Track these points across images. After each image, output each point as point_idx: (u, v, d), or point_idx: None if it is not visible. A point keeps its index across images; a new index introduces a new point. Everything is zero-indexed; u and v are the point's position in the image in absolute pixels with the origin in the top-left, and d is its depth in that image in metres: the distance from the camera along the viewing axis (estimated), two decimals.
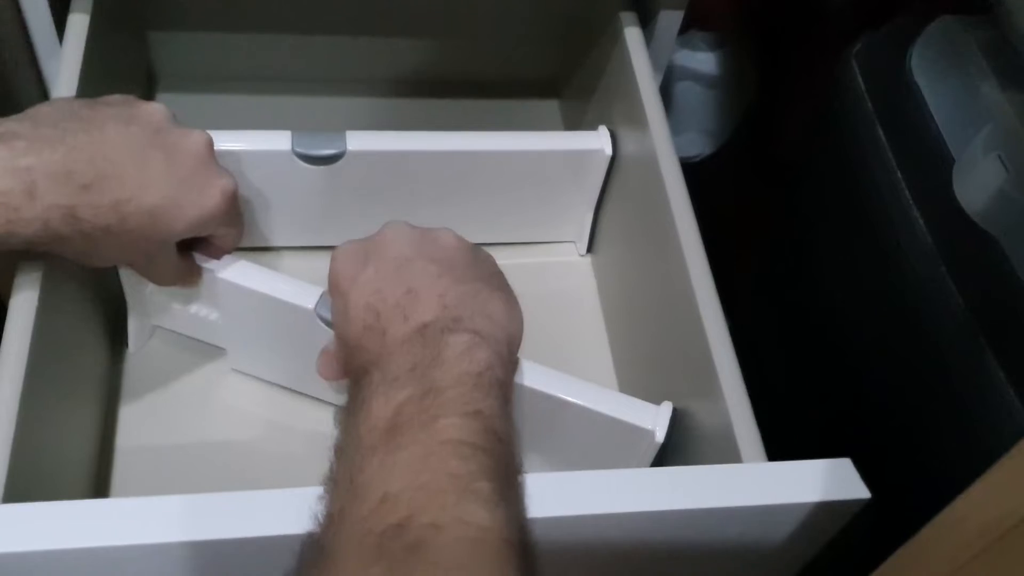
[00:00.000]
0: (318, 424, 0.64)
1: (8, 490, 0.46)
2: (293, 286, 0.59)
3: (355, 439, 0.43)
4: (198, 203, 0.55)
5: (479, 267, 0.54)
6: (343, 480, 0.41)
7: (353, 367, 0.50)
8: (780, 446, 0.54)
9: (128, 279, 0.61)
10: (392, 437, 0.41)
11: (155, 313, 0.65)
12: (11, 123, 0.50)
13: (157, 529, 0.43)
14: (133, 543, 0.43)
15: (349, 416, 0.45)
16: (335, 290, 0.54)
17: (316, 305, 0.58)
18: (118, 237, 0.52)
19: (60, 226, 0.49)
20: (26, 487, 0.48)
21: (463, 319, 0.48)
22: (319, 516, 0.40)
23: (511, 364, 0.50)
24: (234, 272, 0.60)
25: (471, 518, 0.38)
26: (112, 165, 0.51)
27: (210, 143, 0.57)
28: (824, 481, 0.48)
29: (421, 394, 0.43)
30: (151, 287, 0.62)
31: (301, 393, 0.66)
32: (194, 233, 0.56)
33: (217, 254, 0.60)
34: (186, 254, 0.59)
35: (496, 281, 0.54)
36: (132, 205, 0.52)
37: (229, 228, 0.59)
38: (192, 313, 0.64)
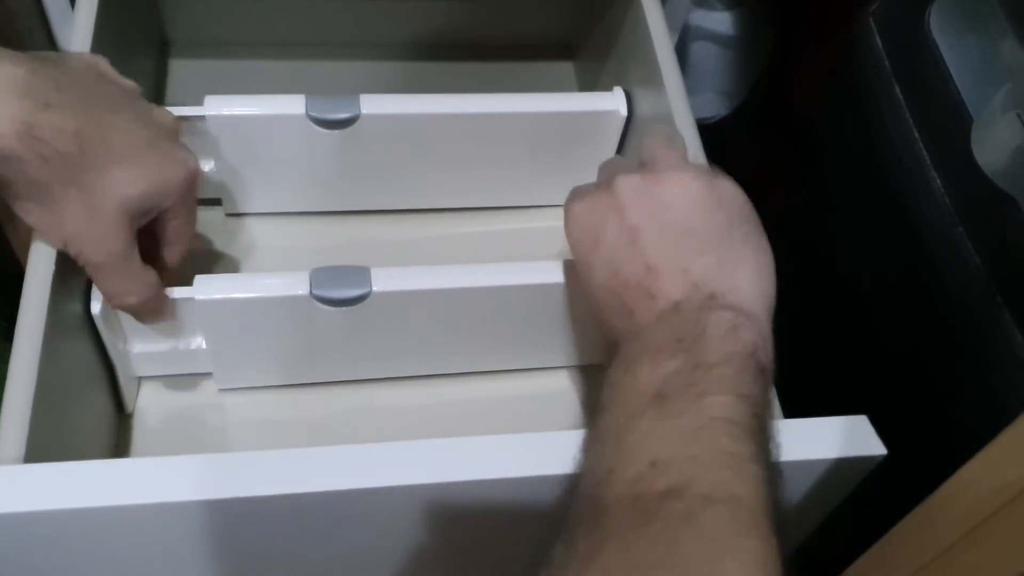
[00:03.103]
0: (331, 405, 0.64)
1: (29, 450, 0.46)
2: (278, 278, 0.58)
3: (620, 400, 0.43)
4: (161, 169, 0.53)
5: (719, 219, 0.48)
6: (610, 439, 0.42)
7: (605, 338, 0.49)
8: (797, 403, 0.54)
9: (108, 335, 0.57)
10: (660, 405, 0.41)
11: (138, 365, 0.62)
12: None
13: (175, 488, 0.43)
14: (151, 502, 0.43)
15: (612, 378, 0.44)
16: (573, 251, 0.52)
17: (311, 288, 0.57)
18: (75, 178, 0.49)
19: (15, 143, 0.46)
20: (47, 448, 0.48)
21: (717, 295, 0.45)
22: (583, 468, 0.42)
23: (770, 335, 0.47)
24: (211, 288, 0.57)
25: (745, 499, 0.38)
26: (78, 95, 0.50)
27: (180, 124, 0.57)
28: (841, 437, 0.49)
29: (690, 368, 0.42)
30: (128, 338, 0.60)
31: (303, 385, 0.65)
32: (150, 204, 0.53)
33: (171, 254, 0.57)
34: (147, 266, 0.55)
35: (739, 233, 0.48)
36: (94, 139, 0.49)
37: (184, 212, 0.56)
38: (176, 350, 0.61)
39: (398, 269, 0.58)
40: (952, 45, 0.66)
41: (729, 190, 0.50)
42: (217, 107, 0.63)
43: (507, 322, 0.61)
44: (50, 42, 0.75)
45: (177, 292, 0.57)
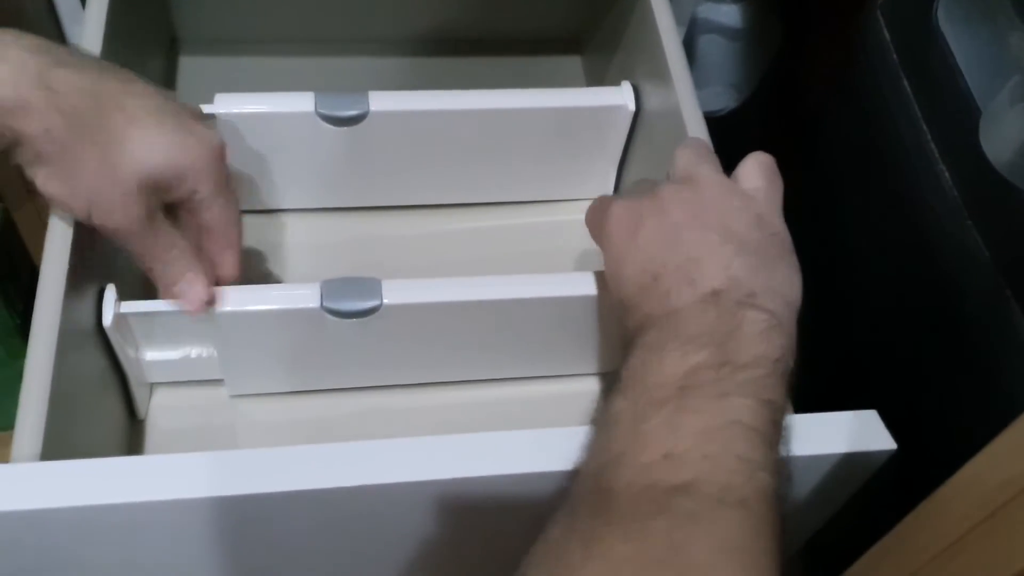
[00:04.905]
0: (342, 410, 0.64)
1: (45, 448, 0.47)
2: (288, 290, 0.57)
3: (641, 386, 0.43)
4: (181, 140, 0.51)
5: (756, 234, 0.49)
6: (625, 422, 0.42)
7: (629, 323, 0.49)
8: (806, 398, 0.54)
9: (119, 343, 0.57)
10: (682, 398, 0.41)
11: (149, 372, 0.62)
12: None
13: (189, 484, 0.44)
14: (166, 498, 0.44)
15: (634, 361, 0.44)
16: (608, 243, 0.51)
17: (321, 301, 0.56)
18: (92, 136, 0.48)
19: (33, 92, 0.46)
20: (60, 453, 0.48)
21: (757, 295, 0.46)
22: (593, 446, 0.42)
23: (795, 341, 0.47)
24: (222, 300, 0.56)
25: (754, 507, 0.39)
26: (94, 65, 0.50)
27: (201, 112, 0.57)
28: (850, 432, 0.49)
29: (718, 364, 0.42)
30: (139, 346, 0.60)
31: (315, 391, 0.65)
32: (171, 176, 0.52)
33: (223, 262, 0.57)
34: (187, 237, 0.54)
35: (774, 249, 0.49)
36: (110, 100, 0.49)
37: (219, 201, 0.54)
38: (188, 357, 0.61)
39: (409, 281, 0.58)
40: (960, 38, 0.66)
41: (765, 211, 0.51)
42: (227, 105, 0.63)
43: (517, 332, 0.61)
44: (61, 41, 0.75)
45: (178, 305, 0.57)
